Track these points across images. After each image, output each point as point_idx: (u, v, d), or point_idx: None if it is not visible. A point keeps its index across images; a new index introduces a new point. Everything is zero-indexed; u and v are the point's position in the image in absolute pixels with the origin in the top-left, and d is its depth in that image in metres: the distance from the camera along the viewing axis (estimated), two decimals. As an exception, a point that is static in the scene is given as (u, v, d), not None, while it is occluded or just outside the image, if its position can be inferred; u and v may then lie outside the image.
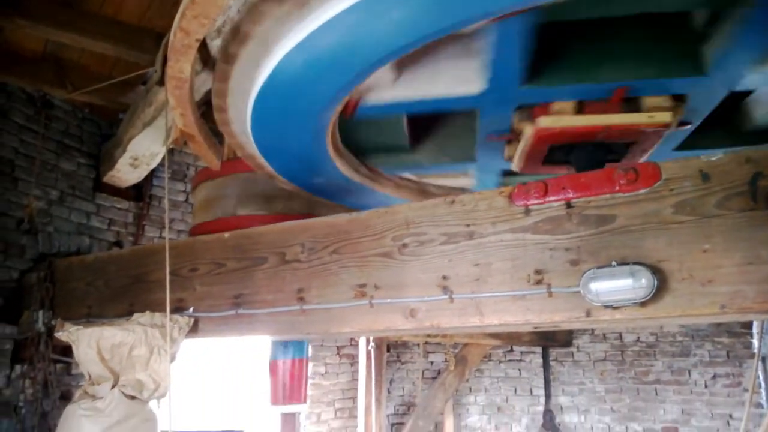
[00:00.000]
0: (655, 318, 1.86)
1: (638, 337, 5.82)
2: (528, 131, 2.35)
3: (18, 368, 3.81)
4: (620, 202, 1.97)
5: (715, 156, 1.89)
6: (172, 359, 2.86)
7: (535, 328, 2.25)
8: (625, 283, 1.81)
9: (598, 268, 1.90)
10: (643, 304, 1.84)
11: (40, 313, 3.54)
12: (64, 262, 3.65)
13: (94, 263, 3.50)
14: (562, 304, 1.98)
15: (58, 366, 4.00)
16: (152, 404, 2.77)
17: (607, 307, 1.89)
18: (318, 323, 2.53)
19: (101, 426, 2.54)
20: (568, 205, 2.04)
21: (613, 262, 1.88)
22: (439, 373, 6.09)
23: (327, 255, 2.56)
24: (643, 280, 1.80)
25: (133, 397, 2.66)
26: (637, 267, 1.83)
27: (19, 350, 3.79)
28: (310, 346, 3.80)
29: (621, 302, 1.85)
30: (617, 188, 1.97)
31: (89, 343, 2.68)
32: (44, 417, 3.83)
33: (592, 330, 6.02)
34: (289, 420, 3.55)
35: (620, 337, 5.90)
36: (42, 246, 3.93)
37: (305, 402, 3.60)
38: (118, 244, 4.46)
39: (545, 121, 2.27)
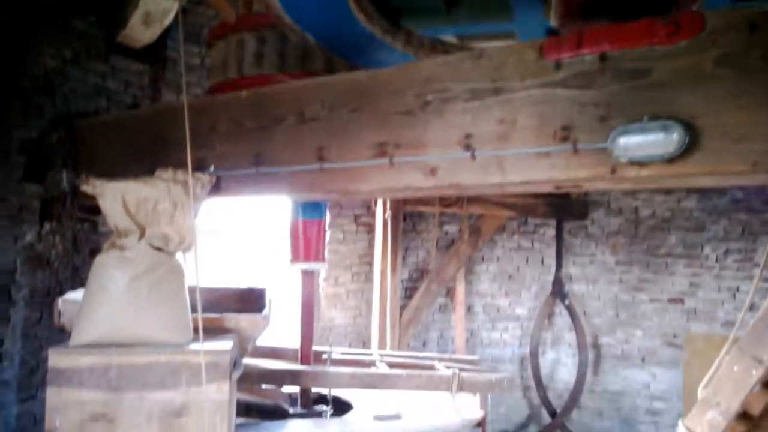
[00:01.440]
0: (683, 175, 1.82)
1: (654, 212, 5.82)
2: None
3: (47, 225, 3.94)
4: (658, 55, 1.85)
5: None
6: (195, 215, 2.91)
7: (557, 187, 2.23)
8: (656, 137, 1.75)
9: (629, 123, 1.83)
10: (671, 160, 1.79)
11: (64, 172, 3.59)
12: (83, 123, 3.63)
13: (114, 123, 3.49)
14: (588, 161, 1.94)
15: (86, 224, 4.13)
16: (179, 258, 2.85)
17: (633, 163, 1.84)
18: (337, 182, 2.53)
19: (129, 275, 2.63)
20: (602, 59, 1.93)
21: (645, 117, 1.81)
22: (453, 242, 6.19)
23: (347, 113, 2.50)
24: (675, 135, 1.73)
25: (159, 249, 2.73)
26: (669, 122, 1.76)
27: (47, 208, 3.88)
28: (327, 211, 3.84)
29: (649, 158, 1.80)
30: (656, 40, 1.85)
31: (114, 196, 2.71)
32: (76, 271, 4.02)
33: (608, 203, 6.00)
34: (309, 277, 3.67)
35: (635, 211, 5.89)
36: (59, 106, 3.89)
37: (323, 261, 3.70)
38: (135, 106, 4.41)
39: None
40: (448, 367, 3.57)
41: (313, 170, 2.56)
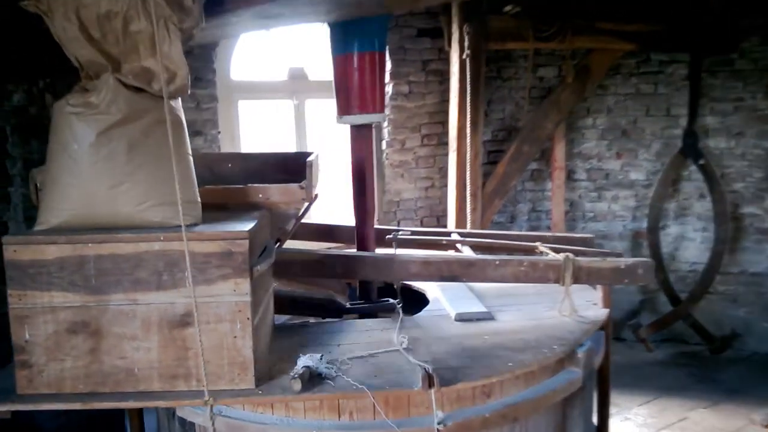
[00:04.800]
0: None
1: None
2: None
3: (41, 82, 3.68)
4: None
5: None
6: (190, 39, 2.15)
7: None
8: None
9: None
10: None
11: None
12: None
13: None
14: None
15: (88, 81, 3.64)
16: (174, 104, 2.13)
17: None
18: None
19: (98, 126, 1.96)
20: None
21: None
22: (549, 91, 5.34)
23: None
24: None
25: (139, 90, 2.02)
26: None
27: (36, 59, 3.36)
28: (386, 41, 2.98)
29: None
30: None
31: (66, 13, 1.99)
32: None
33: (765, 27, 4.84)
34: (363, 135, 2.92)
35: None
36: None
37: (382, 112, 2.91)
38: None
39: None
40: (555, 250, 2.82)
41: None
